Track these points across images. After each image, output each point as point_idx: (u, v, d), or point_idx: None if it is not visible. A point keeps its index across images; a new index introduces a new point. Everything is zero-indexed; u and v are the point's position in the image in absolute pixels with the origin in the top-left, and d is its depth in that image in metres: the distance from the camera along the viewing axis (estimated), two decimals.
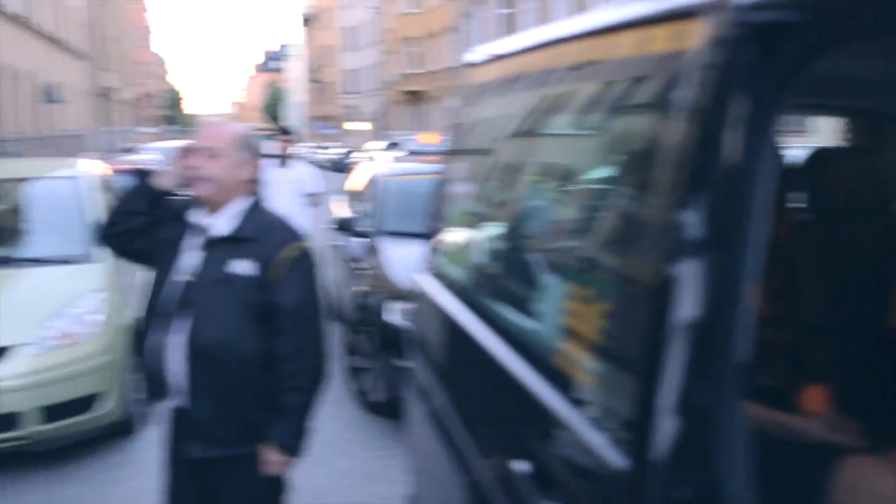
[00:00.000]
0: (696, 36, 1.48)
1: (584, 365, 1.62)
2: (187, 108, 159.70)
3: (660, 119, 1.55)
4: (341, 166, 41.79)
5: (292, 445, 2.86)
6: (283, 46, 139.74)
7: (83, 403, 5.23)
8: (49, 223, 6.31)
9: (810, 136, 5.23)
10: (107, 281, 5.71)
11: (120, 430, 5.72)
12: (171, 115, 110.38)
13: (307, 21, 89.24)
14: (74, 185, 6.52)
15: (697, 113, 1.44)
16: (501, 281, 2.26)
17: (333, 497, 4.92)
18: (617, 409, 1.49)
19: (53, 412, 5.07)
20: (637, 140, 1.67)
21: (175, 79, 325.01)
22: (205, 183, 2.83)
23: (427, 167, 8.31)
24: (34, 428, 5.00)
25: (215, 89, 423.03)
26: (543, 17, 34.03)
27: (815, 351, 2.40)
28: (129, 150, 28.88)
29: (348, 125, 66.20)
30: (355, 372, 6.55)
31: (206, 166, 2.83)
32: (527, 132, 2.31)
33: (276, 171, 7.91)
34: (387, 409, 6.17)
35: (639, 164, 1.63)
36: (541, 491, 1.63)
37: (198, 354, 2.79)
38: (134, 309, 6.60)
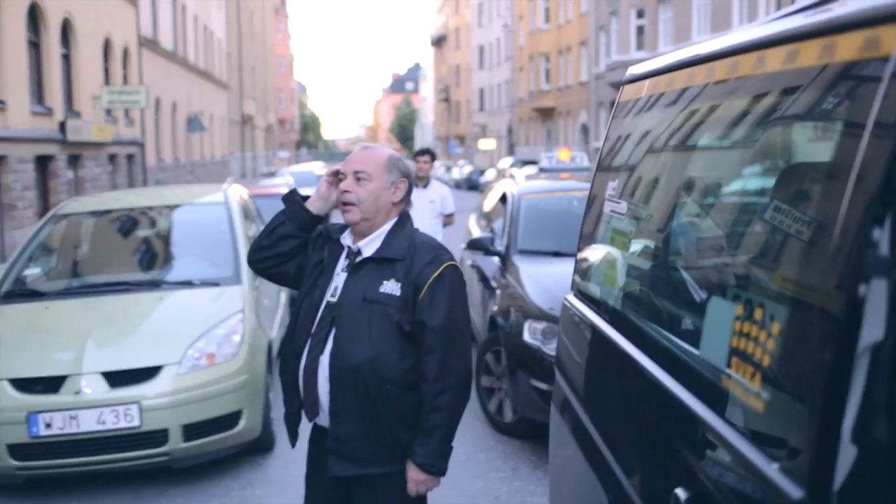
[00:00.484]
0: (893, 43, 1.33)
1: (755, 389, 1.48)
2: (325, 132, 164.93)
3: (844, 131, 1.41)
4: (474, 184, 42.16)
5: (437, 465, 2.83)
6: (409, 69, 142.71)
7: (223, 422, 5.35)
8: (198, 247, 6.56)
9: None
10: (247, 302, 5.85)
11: (259, 448, 5.84)
12: (309, 140, 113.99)
13: (436, 42, 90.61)
14: (221, 211, 6.77)
15: (891, 125, 1.29)
16: (655, 300, 2.13)
17: None
18: (793, 436, 1.35)
19: (195, 430, 5.21)
20: (816, 154, 1.52)
21: (315, 104, 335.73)
22: (354, 207, 2.84)
23: (559, 185, 8.20)
24: (176, 445, 5.14)
25: (347, 113, 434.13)
26: (679, 29, 33.37)
27: None
28: (270, 175, 29.93)
29: (480, 143, 66.65)
30: (485, 392, 6.47)
31: (357, 190, 2.84)
32: (688, 150, 2.17)
33: (416, 191, 7.94)
34: (515, 430, 6.08)
35: (818, 178, 1.49)
36: None
37: (343, 374, 2.78)
38: (273, 330, 6.79)
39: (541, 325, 5.67)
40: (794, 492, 1.31)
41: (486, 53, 70.35)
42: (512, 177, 9.52)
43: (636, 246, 2.38)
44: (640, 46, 36.81)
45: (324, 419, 2.89)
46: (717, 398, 1.62)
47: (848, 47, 1.46)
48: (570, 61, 49.33)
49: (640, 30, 37.34)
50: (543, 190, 7.91)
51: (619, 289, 2.44)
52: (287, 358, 3.00)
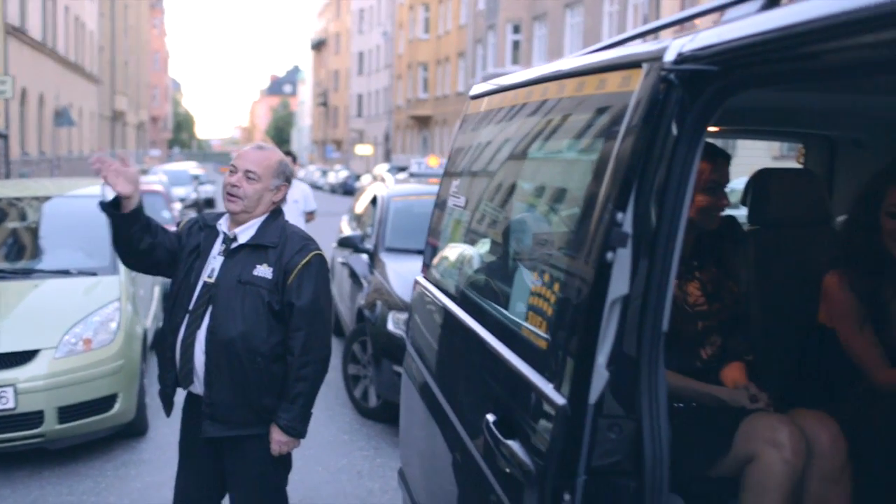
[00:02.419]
0: (640, 80, 1.85)
1: (541, 334, 1.98)
2: (199, 131, 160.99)
3: (610, 142, 1.92)
4: (349, 189, 42.43)
5: (298, 428, 3.21)
6: (288, 72, 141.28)
7: (98, 405, 5.58)
8: (75, 238, 6.72)
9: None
10: (124, 292, 6.09)
11: (133, 431, 6.08)
12: (182, 139, 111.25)
13: (316, 46, 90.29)
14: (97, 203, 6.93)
15: (637, 137, 1.81)
16: (483, 279, 2.63)
17: (328, 490, 5.28)
18: (564, 365, 1.84)
19: (70, 412, 5.43)
20: (594, 158, 2.03)
21: (190, 103, 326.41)
22: (239, 200, 3.19)
23: (427, 188, 8.72)
24: (52, 427, 5.34)
25: (222, 113, 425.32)
26: (552, 46, 34.62)
27: (739, 337, 2.78)
28: (142, 172, 29.38)
29: (357, 148, 66.86)
30: (351, 379, 6.92)
31: (245, 187, 3.20)
32: (508, 156, 2.68)
33: None
34: (379, 414, 6.55)
35: (594, 178, 1.99)
36: (506, 434, 1.99)
37: (218, 347, 3.14)
38: (148, 319, 7.01)
39: (403, 316, 6.14)
40: (560, 400, 1.80)
41: (366, 60, 70.66)
42: (383, 180, 9.98)
43: (470, 234, 2.89)
44: (515, 60, 37.94)
45: (198, 387, 3.23)
46: (518, 344, 2.12)
47: (613, 82, 1.99)
48: (448, 72, 50.19)
49: (516, 44, 38.50)
50: (411, 193, 8.41)
51: (453, 267, 2.94)
52: (165, 334, 3.32)
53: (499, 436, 2.01)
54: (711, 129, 3.62)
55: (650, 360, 1.83)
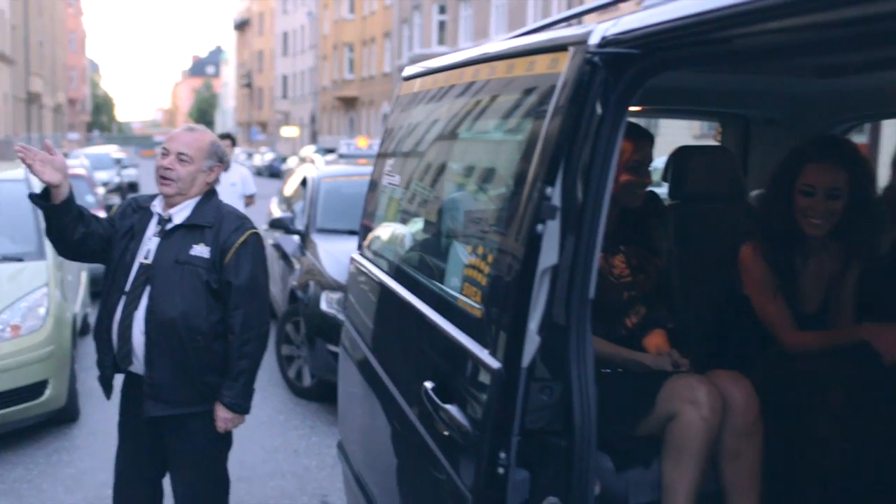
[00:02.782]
0: (566, 63, 1.96)
1: (476, 303, 2.09)
2: (119, 114, 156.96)
3: (539, 121, 2.03)
4: (275, 171, 42.03)
5: (242, 404, 3.26)
6: (210, 52, 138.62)
7: (28, 391, 5.51)
8: (2, 224, 6.57)
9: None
10: (52, 277, 6.01)
11: (64, 418, 6.03)
12: (102, 122, 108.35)
13: (239, 26, 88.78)
14: (21, 188, 6.79)
15: (564, 116, 1.92)
16: (419, 255, 2.73)
17: (265, 469, 5.34)
18: (498, 331, 1.96)
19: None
20: (524, 136, 2.14)
21: (109, 85, 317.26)
22: (172, 182, 3.22)
23: (357, 169, 8.79)
24: None
25: (143, 95, 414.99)
26: (478, 26, 34.76)
27: (661, 306, 2.94)
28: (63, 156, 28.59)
29: (283, 130, 66.14)
30: (285, 360, 6.97)
31: (178, 169, 3.22)
32: (441, 136, 2.78)
33: None
34: (314, 393, 6.63)
35: (524, 155, 2.10)
36: (444, 399, 2.09)
37: (157, 327, 3.16)
38: (77, 305, 6.93)
39: (336, 296, 6.22)
40: (495, 364, 1.92)
41: (291, 40, 69.80)
42: (312, 162, 9.99)
43: (404, 212, 2.98)
44: (441, 41, 38.01)
45: (138, 367, 3.25)
46: (454, 314, 2.23)
47: (542, 64, 2.10)
48: (374, 52, 49.96)
49: (442, 25, 38.57)
50: (341, 174, 8.46)
51: (389, 245, 3.04)
52: (101, 317, 3.32)
53: (437, 401, 2.12)
54: (634, 108, 3.79)
55: (578, 326, 1.95)
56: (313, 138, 60.33)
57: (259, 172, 44.21)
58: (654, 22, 1.82)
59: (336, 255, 6.60)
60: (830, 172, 2.81)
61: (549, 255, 1.89)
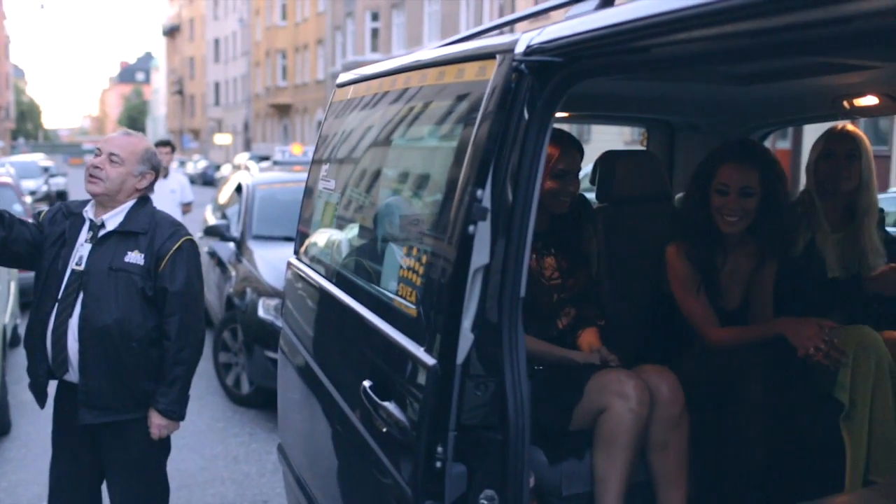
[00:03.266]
0: (494, 70, 2.05)
1: (411, 303, 2.16)
2: (46, 121, 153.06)
3: (469, 126, 2.11)
4: (209, 179, 41.52)
5: (178, 411, 3.27)
6: (140, 58, 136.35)
7: None
8: None
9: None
10: None
11: None
12: (27, 129, 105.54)
13: (169, 32, 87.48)
14: None
15: (493, 121, 2.01)
16: (355, 258, 2.80)
17: (204, 476, 5.34)
18: (432, 330, 2.03)
19: None
20: (455, 142, 2.22)
21: (35, 91, 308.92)
22: (101, 182, 3.21)
23: (292, 176, 8.79)
24: None
25: (70, 102, 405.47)
26: (411, 34, 34.87)
27: (591, 305, 3.06)
28: None
29: (216, 138, 65.34)
30: (223, 368, 6.94)
31: (108, 169, 3.21)
32: (375, 142, 2.85)
33: (158, 181, 8.23)
34: (252, 400, 6.62)
35: (456, 159, 2.18)
36: (382, 397, 2.16)
37: (92, 334, 3.14)
38: (6, 316, 6.80)
39: (273, 302, 6.23)
40: (430, 361, 1.99)
41: (222, 47, 69.04)
42: (247, 169, 9.96)
43: (340, 217, 3.04)
44: (374, 48, 38.02)
45: (72, 375, 3.22)
46: (390, 314, 2.29)
47: (471, 71, 2.18)
48: (308, 59, 49.74)
49: (375, 32, 38.60)
50: (277, 181, 8.46)
51: (326, 249, 3.10)
52: (33, 325, 3.29)
53: (375, 399, 2.18)
54: (562, 114, 3.92)
55: (510, 323, 2.03)
56: (247, 146, 59.73)
57: (193, 180, 43.49)
58: (576, 32, 1.92)
59: (273, 261, 6.61)
60: (743, 172, 2.96)
61: (480, 255, 1.97)
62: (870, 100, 3.26)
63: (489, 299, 2.00)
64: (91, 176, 3.22)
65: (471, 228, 1.95)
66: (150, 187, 3.38)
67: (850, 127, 3.43)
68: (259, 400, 6.56)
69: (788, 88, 3.39)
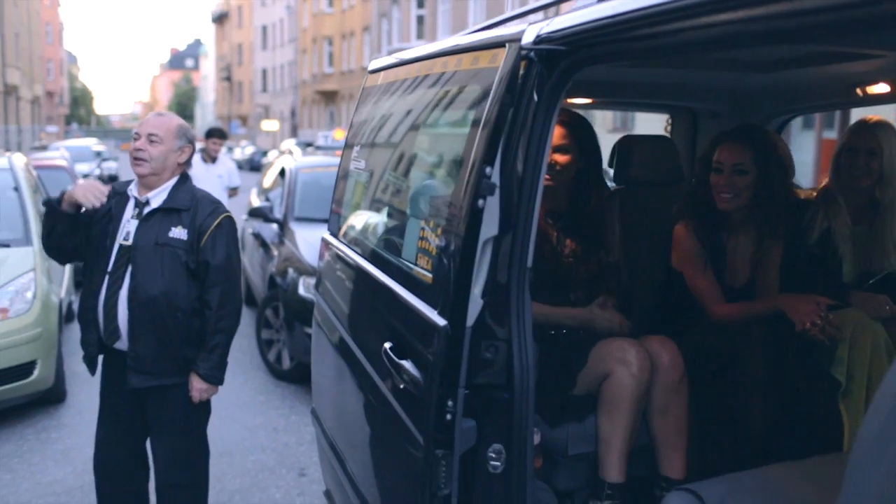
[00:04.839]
0: (503, 58, 2.24)
1: (427, 271, 2.37)
2: (98, 107, 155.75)
3: (481, 109, 2.30)
4: (256, 165, 42.09)
5: (217, 375, 3.52)
6: (189, 45, 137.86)
7: (18, 371, 5.76)
8: None
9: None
10: (38, 262, 6.25)
11: (52, 398, 6.28)
12: (80, 114, 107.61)
13: (218, 19, 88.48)
14: (6, 176, 7.04)
15: (501, 104, 2.19)
16: (381, 231, 3.01)
17: (245, 445, 5.62)
18: (443, 295, 2.23)
19: None
20: (469, 123, 2.41)
21: (87, 77, 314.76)
22: (146, 163, 3.45)
23: (334, 160, 9.03)
24: None
25: (122, 88, 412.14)
26: (456, 20, 34.95)
27: (606, 281, 3.22)
28: (41, 148, 28.64)
29: (263, 124, 66.09)
30: (265, 344, 7.22)
31: (149, 149, 3.45)
32: (400, 124, 3.05)
33: (206, 167, 8.59)
34: (293, 375, 6.89)
35: (469, 140, 2.37)
36: (400, 356, 2.37)
37: (140, 304, 3.40)
38: (62, 290, 7.16)
39: (314, 281, 6.47)
40: (442, 322, 2.19)
41: (270, 33, 69.73)
42: (290, 153, 10.24)
43: (368, 194, 3.26)
44: (420, 35, 38.19)
45: (122, 343, 3.49)
46: (409, 282, 2.50)
47: (485, 59, 2.37)
48: (354, 46, 50.04)
49: (420, 19, 38.75)
50: (318, 165, 8.72)
51: (355, 224, 3.32)
52: (85, 297, 3.56)
53: (394, 358, 2.39)
54: (585, 100, 4.08)
55: (518, 291, 2.22)
56: (293, 132, 60.37)
57: (240, 166, 43.95)
58: (578, 22, 2.10)
59: (313, 242, 6.80)
60: (737, 151, 3.12)
61: (489, 227, 2.16)
62: (882, 87, 3.37)
63: (498, 268, 2.19)
64: (136, 159, 3.46)
65: (480, 202, 2.14)
66: (189, 161, 3.61)
67: (877, 121, 3.43)
68: (299, 375, 6.83)
69: (804, 76, 3.51)
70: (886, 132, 3.38)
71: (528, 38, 2.21)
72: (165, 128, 3.50)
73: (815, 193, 3.57)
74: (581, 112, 3.45)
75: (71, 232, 3.52)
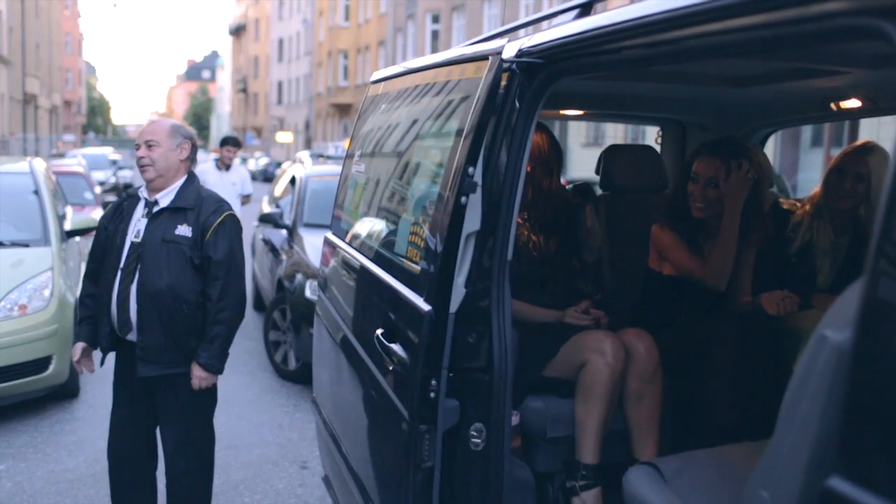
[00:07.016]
0: (486, 69, 2.46)
1: (415, 262, 2.59)
2: (114, 117, 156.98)
3: (466, 116, 2.53)
4: (270, 176, 42.47)
5: (216, 365, 3.71)
6: (206, 57, 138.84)
7: (34, 365, 6.01)
8: (6, 213, 7.06)
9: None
10: (56, 262, 6.51)
11: (66, 393, 6.53)
12: (97, 124, 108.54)
13: (235, 32, 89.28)
14: (27, 180, 7.32)
15: (483, 110, 2.42)
16: (376, 228, 3.24)
17: (251, 440, 5.83)
18: (430, 283, 2.44)
19: (7, 372, 5.85)
20: (455, 128, 2.63)
21: (105, 87, 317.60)
22: (151, 168, 3.68)
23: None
24: None
25: (139, 98, 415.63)
26: (470, 36, 35.26)
27: (588, 281, 3.44)
28: (59, 156, 29.06)
29: (278, 136, 66.59)
30: (272, 345, 7.45)
31: (149, 154, 3.69)
32: (395, 130, 3.29)
33: (220, 174, 8.86)
34: (298, 376, 7.11)
35: (455, 143, 2.59)
36: (389, 340, 2.58)
37: (148, 298, 3.62)
38: (78, 287, 7.40)
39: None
40: (426, 308, 2.41)
41: (286, 46, 70.34)
42: (301, 162, 10.51)
43: (366, 194, 3.49)
44: (434, 50, 38.51)
45: (133, 335, 3.71)
46: (401, 273, 2.72)
47: (471, 70, 2.60)
48: (369, 60, 50.41)
49: (435, 34, 39.09)
50: (328, 173, 8.96)
51: (351, 222, 3.56)
52: (100, 294, 3.78)
53: (385, 342, 2.61)
54: (578, 112, 4.31)
55: (498, 281, 2.44)
56: (308, 144, 60.75)
57: (254, 177, 44.52)
58: (553, 38, 2.33)
59: (321, 247, 7.07)
60: (712, 164, 3.32)
61: (472, 222, 2.39)
62: (853, 102, 3.58)
63: (480, 259, 2.41)
64: (142, 167, 3.70)
65: (463, 199, 2.36)
66: (193, 157, 3.83)
67: (870, 145, 3.58)
68: (305, 375, 7.04)
69: (782, 92, 3.72)
70: (877, 157, 3.53)
71: (509, 52, 2.44)
72: (159, 130, 3.73)
73: (805, 205, 3.75)
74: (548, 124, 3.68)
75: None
